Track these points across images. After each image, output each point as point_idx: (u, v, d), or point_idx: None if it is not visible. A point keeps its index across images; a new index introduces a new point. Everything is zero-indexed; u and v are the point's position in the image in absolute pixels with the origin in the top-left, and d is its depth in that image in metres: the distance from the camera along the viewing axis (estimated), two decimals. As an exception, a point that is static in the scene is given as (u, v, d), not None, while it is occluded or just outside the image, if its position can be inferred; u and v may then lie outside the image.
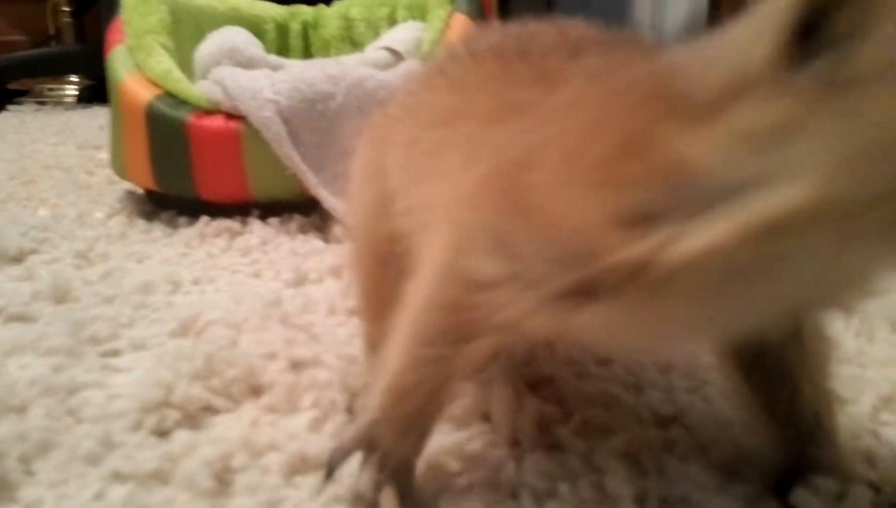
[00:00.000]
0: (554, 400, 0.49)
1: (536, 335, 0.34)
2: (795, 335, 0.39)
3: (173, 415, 0.48)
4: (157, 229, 0.89)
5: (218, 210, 0.89)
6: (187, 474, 0.41)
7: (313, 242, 0.81)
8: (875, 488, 0.38)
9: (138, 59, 0.92)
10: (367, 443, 0.38)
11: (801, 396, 0.39)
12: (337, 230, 0.83)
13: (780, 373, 0.39)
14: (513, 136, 0.36)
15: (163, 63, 0.92)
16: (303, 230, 0.85)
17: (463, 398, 0.48)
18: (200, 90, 0.89)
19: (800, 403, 0.39)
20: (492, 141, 0.37)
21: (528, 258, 0.32)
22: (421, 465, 0.42)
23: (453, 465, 0.42)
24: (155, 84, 0.90)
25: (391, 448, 0.38)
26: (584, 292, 0.30)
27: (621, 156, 0.29)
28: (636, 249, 0.28)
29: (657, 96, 0.29)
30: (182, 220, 0.90)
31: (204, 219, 0.88)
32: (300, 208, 0.88)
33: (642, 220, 0.29)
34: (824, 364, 0.40)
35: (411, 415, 0.38)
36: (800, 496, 0.37)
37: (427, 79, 0.50)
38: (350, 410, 0.47)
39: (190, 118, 0.87)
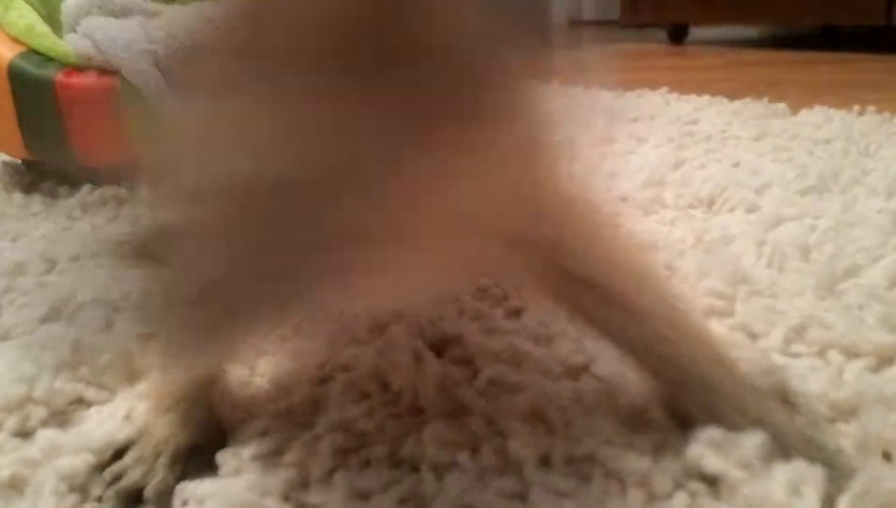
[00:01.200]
0: (459, 361, 0.46)
1: None
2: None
3: (38, 413, 0.43)
4: (37, 203, 0.82)
5: (104, 177, 0.82)
6: (47, 480, 0.37)
7: (208, 205, 0.75)
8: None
9: (-5, 14, 0.83)
10: None
11: (669, 345, 0.37)
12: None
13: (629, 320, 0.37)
14: None
15: (24, 17, 0.82)
16: (197, 193, 0.79)
17: (359, 369, 0.44)
18: (69, 45, 0.80)
19: (667, 352, 0.37)
20: None
21: None
22: (306, 444, 0.38)
23: (350, 441, 0.39)
24: (17, 41, 0.81)
25: None
26: None
27: None
28: None
29: None
30: (63, 190, 0.83)
31: (87, 187, 0.80)
32: (194, 169, 0.82)
33: None
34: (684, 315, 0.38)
35: None
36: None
37: None
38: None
39: (58, 77, 0.78)
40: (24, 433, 0.42)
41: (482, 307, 0.53)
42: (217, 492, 0.35)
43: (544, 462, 0.37)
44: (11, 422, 0.42)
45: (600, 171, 0.87)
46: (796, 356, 0.46)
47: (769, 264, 0.58)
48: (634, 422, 0.39)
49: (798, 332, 0.47)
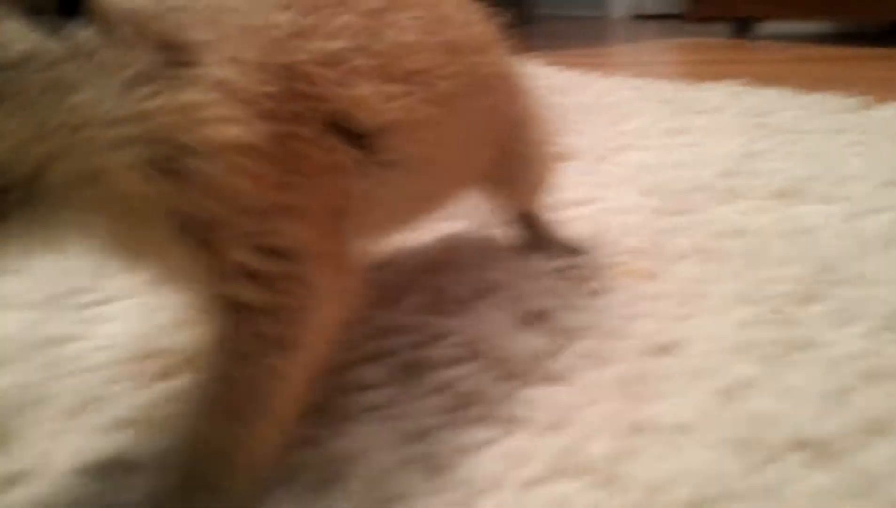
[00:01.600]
0: (546, 334, 0.48)
1: None
2: None
3: (156, 367, 0.46)
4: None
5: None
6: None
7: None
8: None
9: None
10: None
11: None
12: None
13: None
14: None
15: None
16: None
17: (455, 336, 0.46)
18: None
19: None
20: None
21: None
22: (410, 401, 0.41)
23: (447, 401, 0.41)
24: None
25: None
26: None
27: None
28: None
29: None
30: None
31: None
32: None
33: None
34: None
35: None
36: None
37: None
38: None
39: None
40: (146, 386, 0.45)
41: (565, 287, 0.55)
42: (331, 437, 0.37)
43: (639, 427, 0.38)
44: (131, 374, 0.45)
45: (670, 160, 0.88)
46: (888, 343, 0.46)
47: (853, 255, 0.58)
48: (727, 396, 0.40)
49: (888, 320, 0.47)
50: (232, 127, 0.29)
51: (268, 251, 0.32)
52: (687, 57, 2.21)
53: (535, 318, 0.50)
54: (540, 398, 0.41)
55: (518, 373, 0.43)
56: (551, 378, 0.43)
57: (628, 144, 0.95)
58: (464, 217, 0.70)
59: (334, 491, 0.34)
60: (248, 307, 0.32)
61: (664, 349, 0.45)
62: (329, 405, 0.40)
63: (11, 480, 0.36)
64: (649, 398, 0.40)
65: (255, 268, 0.32)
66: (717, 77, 1.45)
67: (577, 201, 0.74)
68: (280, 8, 0.34)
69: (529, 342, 0.46)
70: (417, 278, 0.55)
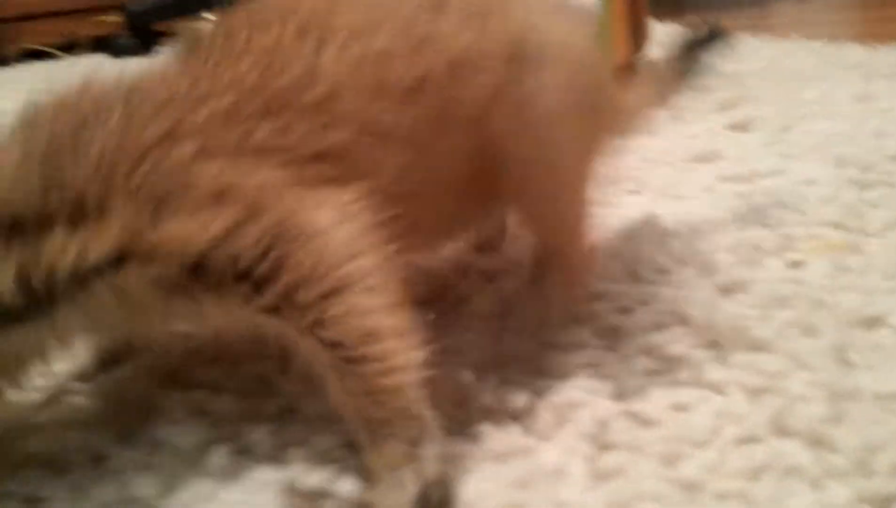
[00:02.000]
0: (749, 303, 0.49)
1: None
2: None
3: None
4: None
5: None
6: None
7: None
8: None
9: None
10: None
11: None
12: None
13: None
14: None
15: None
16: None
17: (657, 303, 0.49)
18: None
19: None
20: None
21: None
22: (617, 361, 0.44)
23: (652, 364, 0.44)
24: None
25: None
26: None
27: None
28: None
29: None
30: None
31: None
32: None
33: None
34: None
35: None
36: None
37: None
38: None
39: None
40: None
41: (759, 257, 0.56)
42: (552, 389, 0.42)
43: (853, 395, 0.39)
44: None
45: (864, 129, 0.84)
46: None
47: None
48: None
49: None
50: (93, 245, 0.34)
51: (254, 261, 0.34)
52: (862, 15, 2.03)
53: (736, 288, 0.51)
54: (747, 364, 0.43)
55: (722, 340, 0.45)
56: (757, 346, 0.45)
57: (814, 112, 0.92)
58: (660, 193, 0.72)
59: (560, 434, 0.39)
60: (284, 298, 0.35)
61: (873, 321, 0.46)
62: (544, 361, 0.45)
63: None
64: (860, 367, 0.42)
65: (259, 276, 0.35)
66: (906, 36, 1.34)
67: (766, 172, 0.73)
68: (168, 96, 0.37)
69: (732, 310, 0.48)
70: (619, 247, 0.58)
